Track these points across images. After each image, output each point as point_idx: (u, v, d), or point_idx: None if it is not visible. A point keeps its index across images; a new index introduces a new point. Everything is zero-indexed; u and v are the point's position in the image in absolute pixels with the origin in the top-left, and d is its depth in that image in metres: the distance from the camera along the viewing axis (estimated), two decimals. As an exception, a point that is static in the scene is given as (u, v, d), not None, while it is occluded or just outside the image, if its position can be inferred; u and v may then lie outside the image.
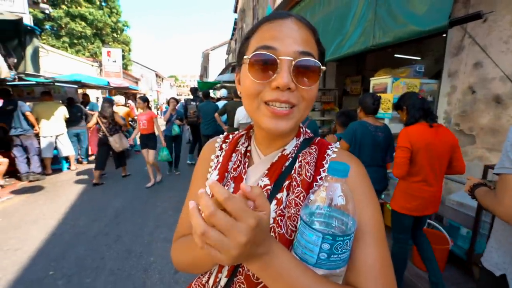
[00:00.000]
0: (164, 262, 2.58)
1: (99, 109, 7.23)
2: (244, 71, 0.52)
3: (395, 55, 5.17)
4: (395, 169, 1.88)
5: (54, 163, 5.58)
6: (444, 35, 2.84)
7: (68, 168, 5.86)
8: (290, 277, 0.40)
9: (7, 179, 4.86)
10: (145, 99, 4.69)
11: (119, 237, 3.02)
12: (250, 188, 0.36)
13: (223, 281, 0.54)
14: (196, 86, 7.89)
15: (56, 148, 5.43)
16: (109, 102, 4.89)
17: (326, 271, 0.43)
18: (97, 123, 4.78)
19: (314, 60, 0.48)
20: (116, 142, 4.74)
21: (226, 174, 0.59)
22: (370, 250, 0.46)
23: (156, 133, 4.83)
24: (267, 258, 0.39)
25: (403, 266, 2.05)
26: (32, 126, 4.82)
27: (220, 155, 0.64)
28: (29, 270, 2.42)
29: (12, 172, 4.92)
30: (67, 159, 5.83)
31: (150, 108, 4.86)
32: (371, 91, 3.44)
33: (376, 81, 3.38)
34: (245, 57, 0.51)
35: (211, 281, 0.57)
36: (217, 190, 0.34)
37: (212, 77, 22.83)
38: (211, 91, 13.75)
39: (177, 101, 5.36)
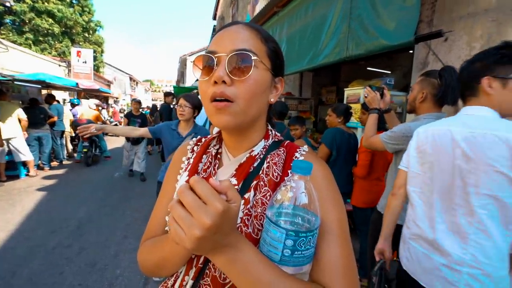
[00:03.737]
0: (132, 274, 2.41)
1: (65, 112, 6.80)
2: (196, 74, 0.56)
3: (368, 68, 5.47)
4: (360, 170, 2.27)
5: (10, 169, 5.06)
6: (411, 51, 3.06)
7: (27, 175, 5.32)
8: (256, 271, 0.41)
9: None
10: None
11: (82, 249, 2.78)
12: (219, 182, 0.38)
13: (189, 284, 0.52)
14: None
15: (10, 153, 4.91)
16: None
17: (291, 268, 0.43)
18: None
19: (246, 53, 0.49)
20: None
21: (196, 175, 0.57)
22: (334, 249, 0.48)
23: None
24: (233, 251, 0.40)
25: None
26: None
27: (191, 157, 0.64)
28: (-29, 290, 2.13)
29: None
30: (24, 164, 5.31)
31: None
32: (345, 101, 3.59)
33: (350, 92, 3.53)
34: (190, 60, 0.53)
35: (177, 285, 0.54)
36: (191, 178, 0.37)
37: (189, 82, 22.45)
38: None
39: (194, 106, 2.32)
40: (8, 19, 16.43)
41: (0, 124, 4.57)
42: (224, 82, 0.49)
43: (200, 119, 5.33)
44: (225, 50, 0.50)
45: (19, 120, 4.96)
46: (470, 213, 0.94)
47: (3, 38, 9.34)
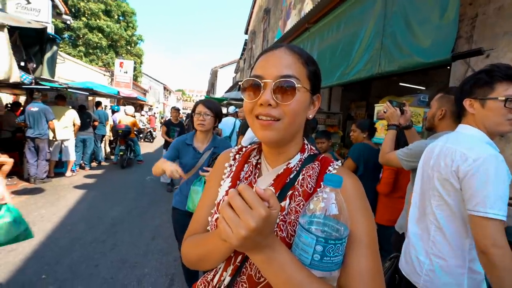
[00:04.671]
0: (158, 274, 2.53)
1: (109, 117, 7.45)
2: (242, 94, 0.62)
3: (400, 84, 5.30)
4: (383, 187, 2.25)
5: (57, 167, 5.62)
6: (449, 67, 2.95)
7: (64, 174, 5.70)
8: (289, 271, 0.45)
9: (9, 179, 4.89)
10: None
11: (115, 246, 2.98)
12: (263, 190, 0.44)
13: (227, 280, 0.57)
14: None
15: (61, 152, 5.50)
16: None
17: (320, 272, 0.47)
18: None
19: (290, 80, 0.55)
20: None
21: (238, 182, 0.65)
22: (363, 258, 0.50)
23: None
24: (271, 251, 0.46)
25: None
26: (47, 135, 4.83)
27: (233, 165, 0.70)
28: (21, 272, 2.38)
29: (15, 172, 4.96)
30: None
31: None
32: (375, 117, 3.52)
33: (380, 107, 3.46)
34: (239, 82, 0.60)
35: (215, 280, 0.60)
36: (240, 185, 0.44)
37: (219, 93, 23.30)
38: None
39: (216, 114, 1.95)
40: (66, 35, 18.58)
41: (57, 124, 5.11)
42: (269, 104, 0.55)
43: (227, 129, 5.46)
44: (271, 76, 0.56)
45: (73, 124, 5.56)
46: (432, 212, 1.09)
47: (61, 51, 10.55)
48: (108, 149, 8.18)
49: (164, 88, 33.26)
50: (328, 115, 5.50)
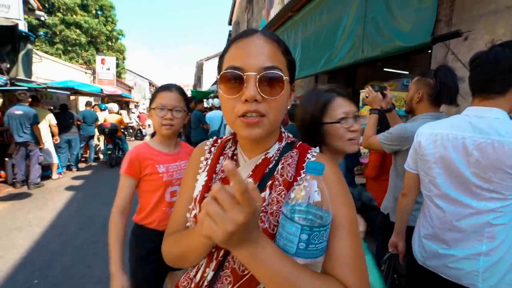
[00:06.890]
0: (154, 271, 2.53)
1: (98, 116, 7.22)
2: (219, 89, 0.57)
3: (385, 69, 5.37)
4: (370, 171, 2.27)
5: (43, 170, 5.43)
6: (430, 51, 3.00)
7: (50, 177, 5.51)
8: (274, 265, 0.45)
9: (-8, 186, 4.72)
10: None
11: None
12: (245, 183, 0.39)
13: (210, 275, 0.56)
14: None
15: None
16: None
17: (305, 260, 0.47)
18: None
19: (277, 72, 0.53)
20: None
21: (214, 175, 0.63)
22: (345, 243, 0.52)
23: None
24: (255, 246, 0.44)
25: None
26: (36, 138, 4.62)
27: (209, 158, 0.68)
28: (11, 280, 2.33)
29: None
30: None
31: None
32: (360, 103, 3.57)
33: (365, 94, 3.51)
34: (216, 76, 0.57)
35: (198, 276, 0.59)
36: (235, 177, 0.37)
37: (205, 86, 22.95)
38: (205, 100, 13.87)
39: None
40: (41, 32, 17.68)
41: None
42: (255, 100, 0.52)
43: (215, 124, 5.42)
44: (253, 68, 0.52)
45: (49, 126, 5.31)
46: (487, 213, 0.97)
47: (37, 49, 10.06)
48: (102, 147, 7.92)
49: (150, 84, 32.44)
50: (315, 104, 5.52)
